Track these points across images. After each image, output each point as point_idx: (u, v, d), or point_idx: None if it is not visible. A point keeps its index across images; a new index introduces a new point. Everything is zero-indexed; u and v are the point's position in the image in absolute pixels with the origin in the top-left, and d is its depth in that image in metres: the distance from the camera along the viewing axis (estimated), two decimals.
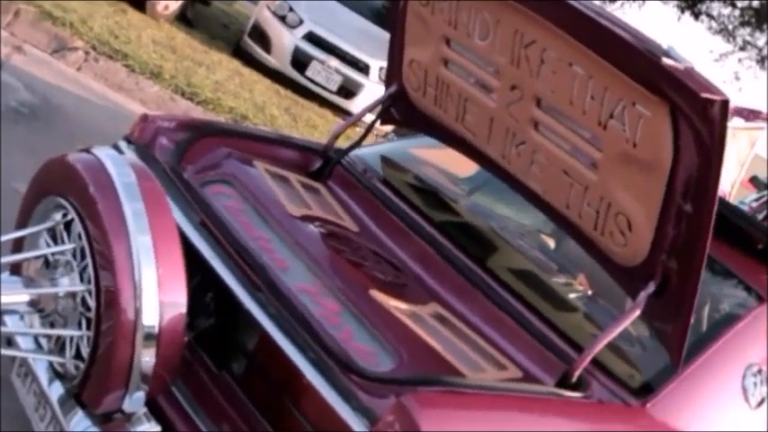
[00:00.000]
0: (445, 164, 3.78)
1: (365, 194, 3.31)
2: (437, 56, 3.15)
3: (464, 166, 3.80)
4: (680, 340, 2.62)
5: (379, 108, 3.41)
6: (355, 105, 9.98)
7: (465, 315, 2.85)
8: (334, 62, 10.03)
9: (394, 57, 3.35)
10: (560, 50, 2.70)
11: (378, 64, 10.08)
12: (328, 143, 3.39)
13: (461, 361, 2.57)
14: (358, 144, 3.43)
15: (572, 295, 3.20)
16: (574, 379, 2.59)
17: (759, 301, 3.01)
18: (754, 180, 7.37)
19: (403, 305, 2.73)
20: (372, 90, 9.95)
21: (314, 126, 9.07)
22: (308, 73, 10.04)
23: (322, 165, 3.36)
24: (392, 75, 3.38)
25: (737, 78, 17.19)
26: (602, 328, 2.93)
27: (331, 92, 10.06)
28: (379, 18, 10.77)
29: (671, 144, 2.50)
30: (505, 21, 2.85)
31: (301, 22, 10.16)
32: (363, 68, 10.11)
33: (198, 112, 7.36)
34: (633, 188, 2.64)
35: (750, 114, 7.77)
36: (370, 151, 3.55)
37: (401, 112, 3.40)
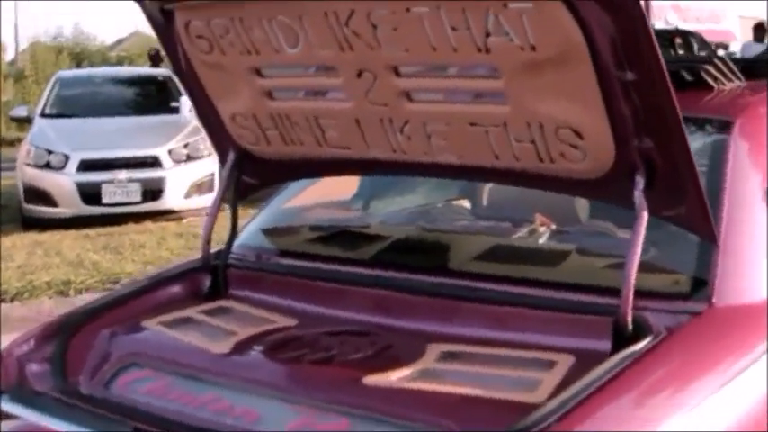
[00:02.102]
0: (325, 197, 3.26)
1: (276, 279, 2.76)
2: (256, 93, 2.62)
3: (342, 187, 3.30)
4: (702, 212, 2.21)
5: (231, 188, 2.84)
6: (169, 201, 9.36)
7: (471, 335, 2.35)
8: (123, 174, 9.34)
9: (211, 126, 2.80)
10: (388, 2, 2.23)
11: (164, 150, 9.50)
12: (204, 254, 2.81)
13: (511, 388, 2.07)
14: (233, 235, 2.85)
15: (546, 240, 2.74)
16: (630, 327, 2.14)
17: (727, 126, 2.63)
18: None
19: (406, 370, 2.20)
20: (176, 176, 9.35)
21: (142, 246, 8.42)
22: (105, 200, 9.33)
23: (212, 278, 2.79)
24: (221, 144, 2.82)
25: None
26: (605, 254, 2.51)
27: (138, 203, 9.38)
28: (138, 107, 10.14)
29: (572, 20, 2.06)
30: (308, 11, 2.35)
31: (67, 157, 9.42)
32: (154, 162, 9.48)
33: (18, 309, 6.63)
34: (559, 92, 2.19)
35: None
36: (248, 234, 2.99)
37: (254, 174, 2.85)
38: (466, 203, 3.51)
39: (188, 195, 9.54)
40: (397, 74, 2.37)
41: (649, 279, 2.28)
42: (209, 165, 9.85)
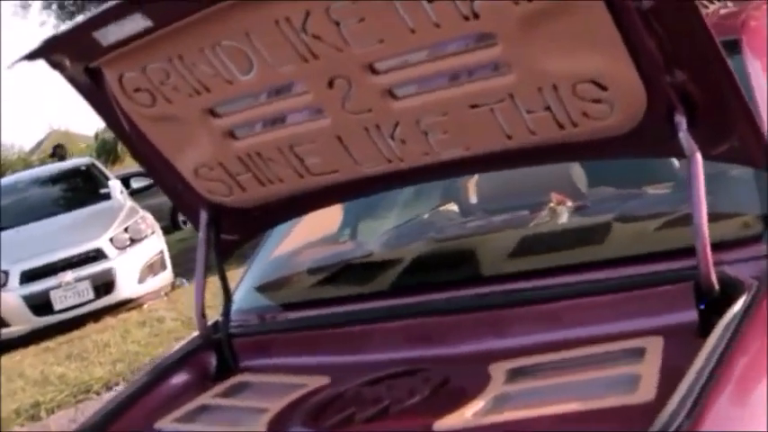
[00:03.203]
0: (312, 234, 2.93)
1: (289, 338, 2.42)
2: (216, 137, 2.29)
3: (325, 220, 2.98)
4: (757, 139, 1.93)
5: (212, 250, 2.48)
6: (123, 291, 8.93)
7: (532, 343, 2.04)
8: (69, 275, 8.89)
9: (173, 188, 2.45)
10: None
11: (105, 239, 9.07)
12: (201, 329, 2.45)
13: (607, 393, 1.76)
14: (228, 301, 2.49)
15: (575, 218, 2.45)
16: (716, 287, 1.84)
17: (735, 45, 2.37)
18: None
19: (477, 403, 1.87)
20: (124, 263, 8.93)
21: (106, 345, 8.01)
22: (57, 306, 8.87)
23: (217, 355, 2.43)
24: (189, 206, 2.47)
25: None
26: (650, 216, 2.23)
27: (92, 301, 8.93)
28: (68, 202, 9.73)
29: None
30: (255, 25, 2.03)
31: (6, 273, 8.96)
32: (98, 255, 9.05)
33: None
34: (568, 42, 1.89)
35: None
36: (243, 296, 2.64)
37: (234, 229, 2.50)
38: (453, 207, 3.22)
39: (141, 280, 9.13)
40: (374, 72, 2.06)
41: (717, 227, 1.99)
42: (155, 243, 9.46)
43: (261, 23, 2.02)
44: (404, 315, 2.26)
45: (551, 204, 2.56)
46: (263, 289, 2.65)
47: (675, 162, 2.77)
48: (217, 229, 2.46)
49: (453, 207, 3.21)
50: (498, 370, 1.96)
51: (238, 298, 2.60)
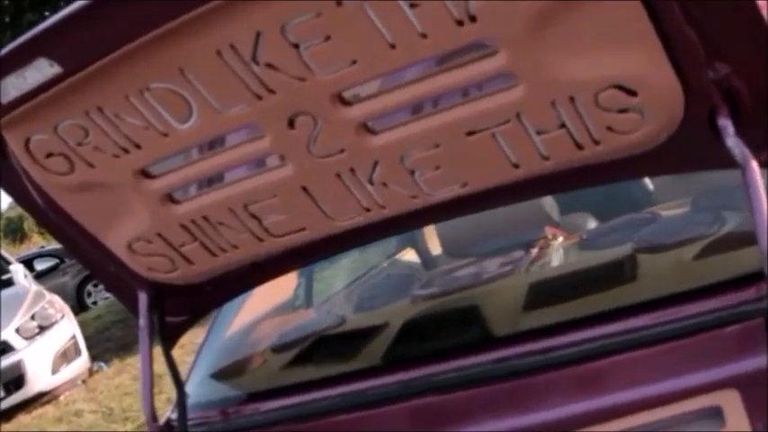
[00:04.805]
0: (266, 304, 2.52)
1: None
2: (152, 203, 1.88)
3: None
4: None
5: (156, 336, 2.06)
6: (35, 384, 8.30)
7: (574, 415, 1.68)
8: None
9: (103, 269, 2.03)
10: (301, 7, 1.55)
11: (10, 330, 8.44)
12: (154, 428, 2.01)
13: None
14: (183, 397, 2.06)
15: (584, 254, 2.10)
16: None
17: None
18: None
19: None
20: (34, 354, 8.30)
21: None
22: None
23: None
24: (124, 288, 2.05)
25: None
26: (680, 243, 1.91)
27: (1, 399, 8.23)
28: None
29: None
30: (191, 59, 1.64)
31: None
32: (4, 348, 8.39)
33: None
34: (591, 39, 1.56)
35: None
36: (198, 388, 2.21)
37: (182, 309, 2.09)
38: (412, 255, 2.86)
39: (55, 370, 8.46)
40: (346, 103, 1.69)
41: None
42: (66, 328, 8.82)
43: (198, 56, 1.63)
44: (405, 394, 1.87)
45: (547, 239, 2.21)
46: (220, 376, 2.24)
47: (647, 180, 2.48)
48: (161, 312, 2.04)
49: (412, 255, 2.86)
50: None
51: (192, 390, 2.18)
